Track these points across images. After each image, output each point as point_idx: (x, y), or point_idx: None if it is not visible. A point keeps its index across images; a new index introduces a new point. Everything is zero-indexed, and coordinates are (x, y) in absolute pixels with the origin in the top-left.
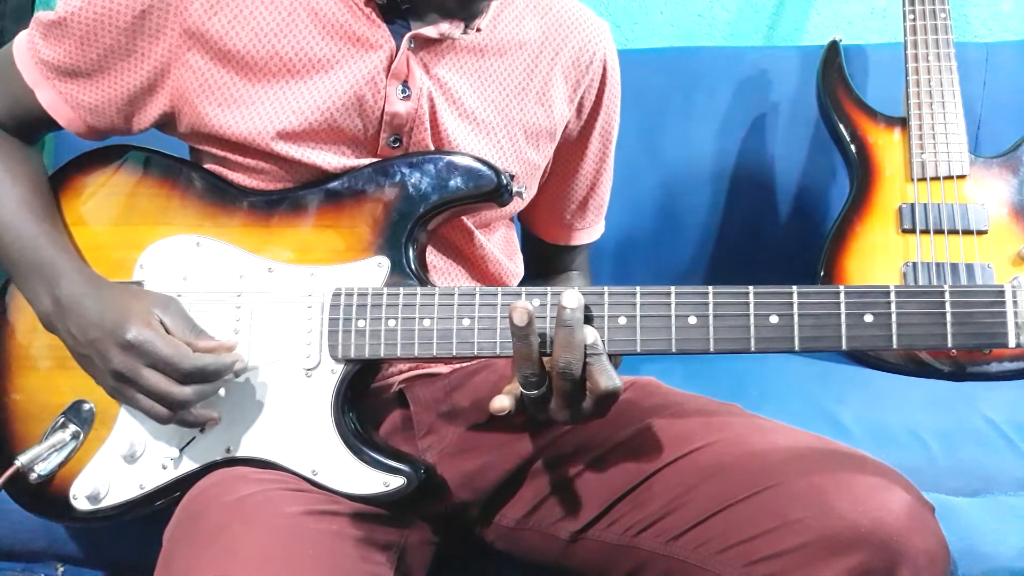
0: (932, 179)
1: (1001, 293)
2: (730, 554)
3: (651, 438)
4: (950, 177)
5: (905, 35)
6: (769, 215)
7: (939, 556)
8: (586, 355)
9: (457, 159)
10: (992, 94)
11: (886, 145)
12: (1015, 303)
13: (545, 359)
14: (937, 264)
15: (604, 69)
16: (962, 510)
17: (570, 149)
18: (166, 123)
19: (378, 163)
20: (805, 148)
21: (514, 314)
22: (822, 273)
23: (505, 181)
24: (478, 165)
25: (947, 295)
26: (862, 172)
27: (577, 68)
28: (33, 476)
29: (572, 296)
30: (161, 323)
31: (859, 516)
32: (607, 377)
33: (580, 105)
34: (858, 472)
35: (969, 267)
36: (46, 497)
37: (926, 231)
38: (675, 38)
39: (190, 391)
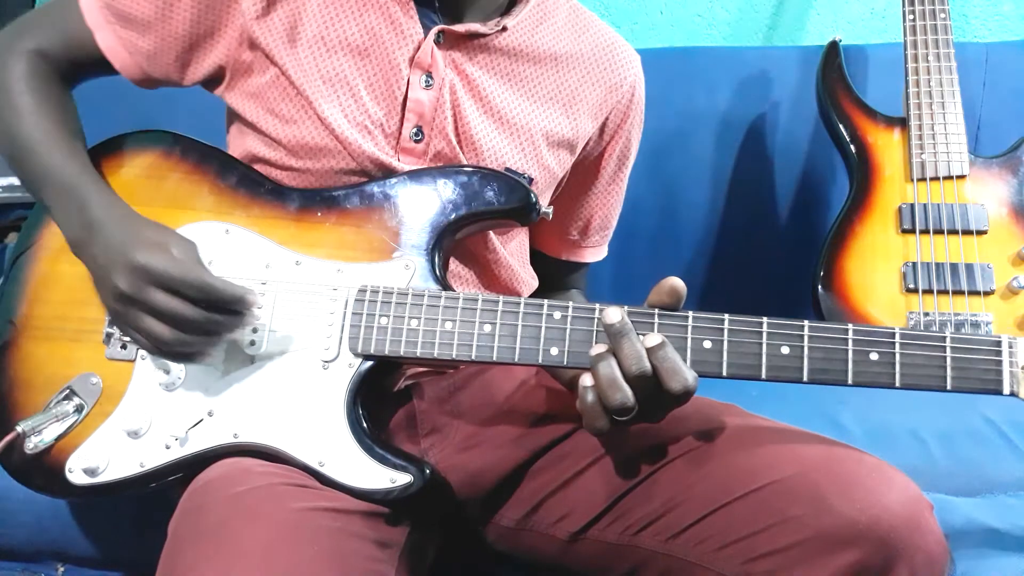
0: (932, 179)
1: (999, 344)
2: (729, 551)
3: (650, 438)
4: (950, 177)
5: (905, 35)
6: (769, 215)
7: (937, 555)
8: (652, 359)
9: (490, 174)
10: (992, 94)
11: (886, 145)
12: (1011, 354)
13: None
14: (937, 264)
15: (632, 96)
16: (962, 510)
17: (587, 167)
18: (216, 79)
19: (414, 171)
20: (805, 148)
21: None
22: (821, 273)
23: (534, 200)
24: (511, 182)
25: (948, 341)
26: (862, 172)
27: (607, 89)
28: (30, 445)
29: (613, 312)
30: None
31: (856, 513)
32: (677, 379)
33: (604, 125)
34: (856, 469)
35: (969, 267)
36: (41, 468)
37: (926, 231)
38: (675, 38)
39: (197, 311)
